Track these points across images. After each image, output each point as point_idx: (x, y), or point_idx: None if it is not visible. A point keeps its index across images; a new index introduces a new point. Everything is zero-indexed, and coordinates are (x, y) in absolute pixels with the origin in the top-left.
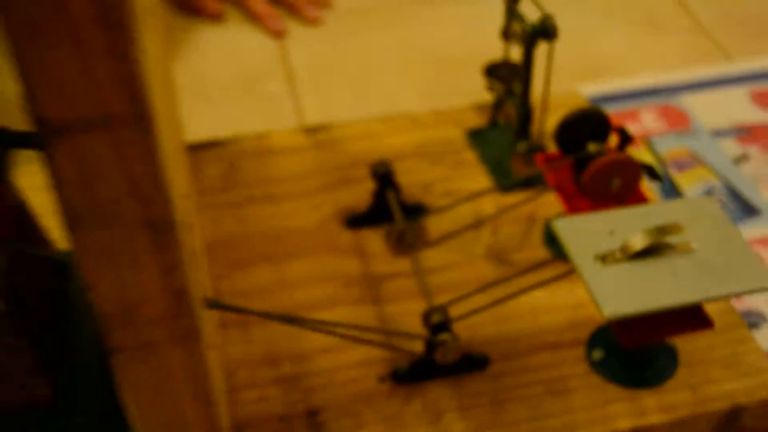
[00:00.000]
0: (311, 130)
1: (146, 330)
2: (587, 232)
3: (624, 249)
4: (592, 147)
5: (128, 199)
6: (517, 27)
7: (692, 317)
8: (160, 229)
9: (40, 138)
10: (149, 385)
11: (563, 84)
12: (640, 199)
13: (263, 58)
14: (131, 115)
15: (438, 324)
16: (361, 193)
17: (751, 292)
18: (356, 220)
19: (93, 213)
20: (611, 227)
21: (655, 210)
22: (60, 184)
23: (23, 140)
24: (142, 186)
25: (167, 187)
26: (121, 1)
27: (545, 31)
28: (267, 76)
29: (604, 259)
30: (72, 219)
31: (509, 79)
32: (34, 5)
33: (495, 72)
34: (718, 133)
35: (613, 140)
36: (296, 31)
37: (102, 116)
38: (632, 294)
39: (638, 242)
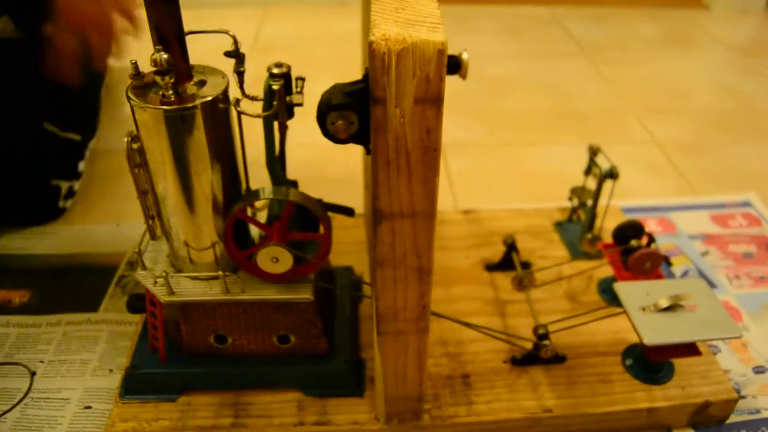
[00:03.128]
0: (465, 212)
1: (402, 324)
2: (633, 293)
3: (655, 305)
4: (633, 242)
5: (411, 255)
6: (595, 170)
7: (690, 348)
8: (424, 272)
9: (347, 209)
10: (393, 354)
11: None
12: (658, 275)
13: None
14: (427, 212)
15: (542, 334)
16: (494, 252)
17: (727, 338)
18: (492, 267)
19: (391, 259)
20: (647, 291)
21: (672, 284)
22: (378, 243)
23: (338, 209)
24: (420, 249)
25: (432, 250)
26: (436, 153)
27: (612, 174)
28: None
29: (643, 309)
30: (379, 261)
31: (583, 197)
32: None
33: (575, 192)
34: (692, 237)
35: (645, 239)
36: (453, 148)
37: (410, 211)
38: (660, 332)
39: (663, 302)
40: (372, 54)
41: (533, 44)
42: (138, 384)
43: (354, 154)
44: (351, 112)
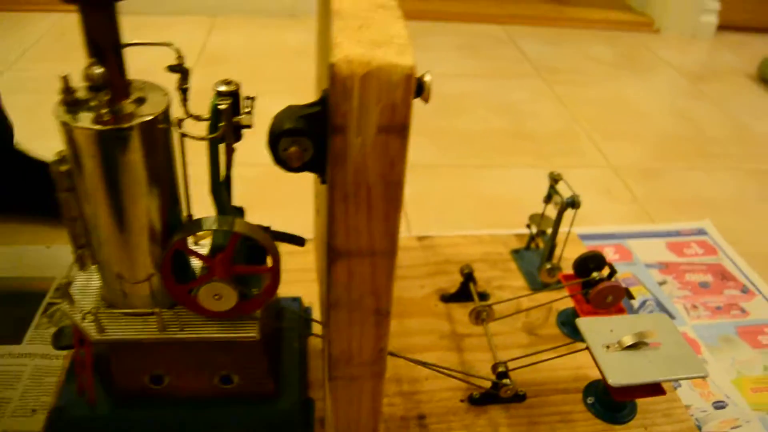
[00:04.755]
0: (420, 238)
1: (356, 369)
2: (597, 330)
3: (620, 343)
4: (595, 275)
5: (369, 296)
6: (556, 198)
7: (655, 387)
8: (382, 314)
9: (297, 238)
10: (345, 400)
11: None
12: (620, 308)
13: None
14: (387, 251)
15: (501, 372)
16: (450, 281)
17: (692, 378)
18: (447, 298)
19: (347, 301)
20: (611, 327)
21: (636, 319)
22: (332, 284)
23: (287, 238)
24: (379, 290)
25: (391, 291)
26: (399, 187)
27: (573, 203)
28: None
29: (608, 347)
30: (333, 302)
31: (542, 225)
32: (352, 188)
33: (534, 219)
34: (649, 266)
35: (606, 270)
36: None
37: (369, 250)
38: (625, 372)
39: (628, 340)
40: (333, 77)
41: (488, 63)
42: (64, 429)
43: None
44: (305, 138)
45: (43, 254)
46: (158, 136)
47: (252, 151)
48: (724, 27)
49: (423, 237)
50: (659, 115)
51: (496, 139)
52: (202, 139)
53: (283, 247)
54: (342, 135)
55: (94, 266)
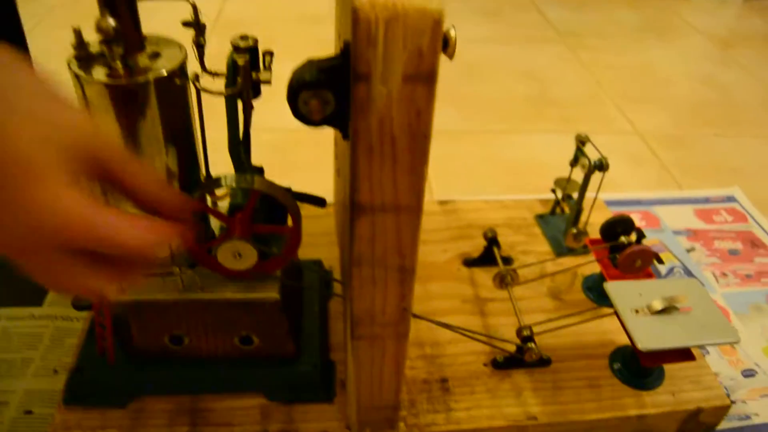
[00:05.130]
0: (442, 203)
1: (379, 329)
2: (626, 293)
3: (649, 307)
4: (623, 239)
5: (393, 253)
6: (583, 160)
7: (684, 353)
8: (406, 272)
9: (318, 199)
10: (368, 360)
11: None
12: (648, 273)
13: None
14: (412, 206)
15: (526, 336)
16: (473, 245)
17: (724, 343)
18: (471, 262)
19: (370, 258)
20: (640, 292)
21: (666, 284)
22: (356, 239)
23: (308, 198)
24: (403, 247)
25: (416, 248)
26: (426, 139)
27: (601, 166)
28: None
29: (636, 311)
30: (356, 259)
31: (568, 189)
32: (377, 140)
33: (559, 183)
34: (677, 233)
35: (634, 235)
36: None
37: (394, 205)
38: (654, 336)
39: (658, 305)
40: (356, 21)
41: (510, 28)
42: (84, 389)
43: (324, 138)
44: (326, 90)
45: None
46: (174, 92)
47: (272, 116)
48: None
49: (445, 201)
50: (686, 80)
51: (520, 105)
52: (219, 94)
53: (304, 211)
54: (366, 83)
55: None
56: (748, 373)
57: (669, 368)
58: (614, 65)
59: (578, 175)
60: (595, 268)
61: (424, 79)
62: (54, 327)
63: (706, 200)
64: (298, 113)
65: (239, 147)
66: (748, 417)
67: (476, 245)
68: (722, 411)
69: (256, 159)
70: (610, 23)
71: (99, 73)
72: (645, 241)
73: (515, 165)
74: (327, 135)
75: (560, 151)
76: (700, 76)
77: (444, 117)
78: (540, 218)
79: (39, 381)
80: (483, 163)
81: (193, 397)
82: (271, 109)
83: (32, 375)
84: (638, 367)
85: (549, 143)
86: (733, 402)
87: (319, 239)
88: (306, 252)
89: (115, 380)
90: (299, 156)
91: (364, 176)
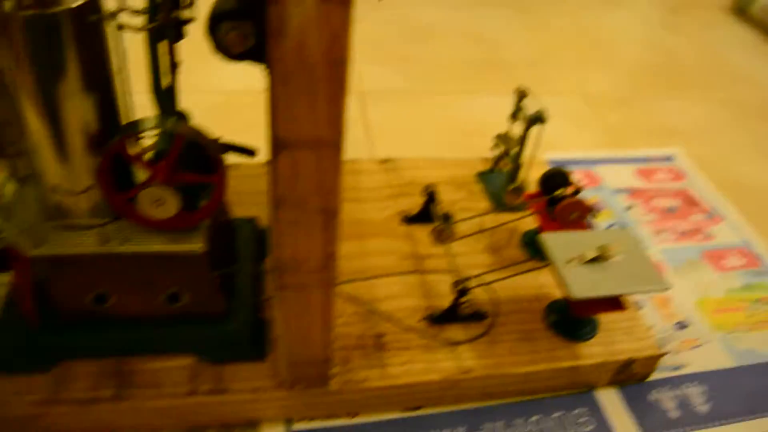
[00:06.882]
0: (383, 161)
1: (305, 276)
2: (560, 244)
3: (581, 257)
4: (560, 192)
5: (314, 194)
6: (522, 114)
7: (615, 303)
8: (329, 214)
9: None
10: (295, 311)
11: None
12: (584, 227)
13: (350, 113)
14: (333, 141)
15: (462, 289)
16: (412, 203)
17: (653, 291)
18: (409, 219)
19: (293, 199)
20: (573, 242)
21: (599, 234)
22: (277, 179)
23: (237, 149)
24: (326, 186)
25: (339, 189)
26: (343, 66)
27: (540, 118)
28: (353, 124)
29: (569, 261)
30: (278, 201)
31: (509, 144)
32: (293, 68)
33: (500, 138)
34: (616, 191)
35: (571, 188)
36: (372, 95)
37: (315, 139)
38: (587, 285)
39: (589, 254)
40: None
41: None
42: (4, 353)
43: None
44: (247, 22)
45: None
46: (89, 26)
47: (213, 78)
48: None
49: (386, 160)
50: (632, 45)
51: (467, 67)
52: (136, 30)
53: (240, 170)
54: (280, 5)
55: (31, 178)
56: (681, 326)
57: (603, 321)
58: (562, 29)
59: (520, 130)
60: (533, 224)
61: (340, 0)
62: None
63: (646, 160)
64: (219, 45)
65: (162, 91)
66: (679, 367)
67: (416, 203)
68: (653, 361)
69: (198, 119)
70: None
71: (5, 3)
72: (585, 200)
73: (460, 126)
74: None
75: (506, 112)
76: (646, 40)
77: (391, 78)
78: (481, 175)
79: None
80: (428, 124)
81: (120, 359)
82: (215, 69)
83: None
84: (572, 319)
85: (495, 105)
86: (665, 353)
87: (255, 198)
88: (243, 211)
89: (37, 344)
90: (242, 119)
91: (282, 108)
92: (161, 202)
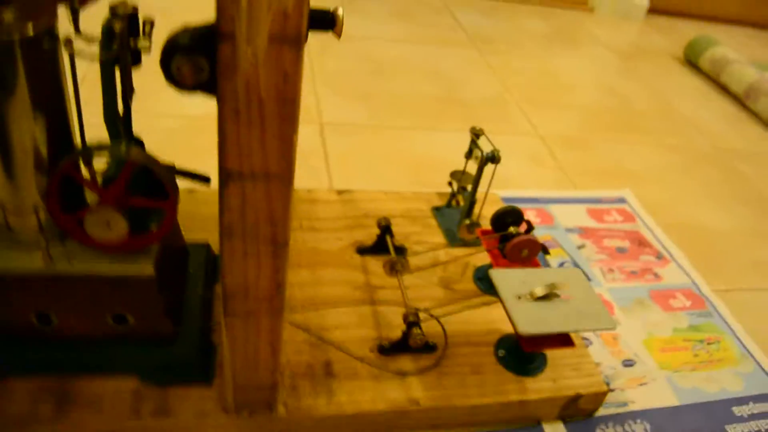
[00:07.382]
0: (340, 192)
1: (253, 303)
2: (509, 280)
3: (531, 294)
4: (512, 229)
5: (265, 224)
6: (477, 152)
7: (564, 339)
8: (279, 245)
9: (202, 176)
10: (243, 337)
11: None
12: (535, 264)
13: (310, 143)
14: (283, 174)
15: (412, 322)
16: (368, 234)
17: (600, 329)
18: (364, 250)
19: (241, 230)
20: (523, 278)
21: (549, 272)
22: (225, 209)
23: (192, 175)
24: (275, 217)
25: (289, 220)
26: (294, 104)
27: (493, 158)
28: (312, 155)
29: (519, 297)
30: (227, 231)
31: (463, 181)
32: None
33: (455, 176)
34: (569, 230)
35: (523, 226)
36: (332, 127)
37: (264, 172)
38: (535, 322)
39: (539, 291)
40: None
41: (423, 30)
42: None
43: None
44: (201, 56)
45: None
46: (44, 54)
47: (174, 102)
48: (654, 10)
49: (343, 191)
50: (588, 88)
51: (427, 104)
52: (92, 60)
53: (195, 196)
54: (231, 43)
55: None
56: (628, 363)
57: (552, 356)
58: (521, 70)
59: (474, 168)
60: (486, 259)
61: (291, 41)
62: None
63: (599, 200)
64: (171, 78)
65: (116, 117)
66: (625, 404)
67: (371, 234)
68: (600, 397)
69: (158, 144)
70: (520, 31)
71: None
72: (539, 237)
73: (418, 161)
74: None
75: (463, 149)
76: (601, 85)
77: (351, 112)
78: (436, 210)
79: None
80: (386, 158)
81: (62, 378)
82: (175, 94)
83: None
84: (521, 354)
85: (452, 141)
86: (611, 389)
87: (209, 224)
88: (196, 236)
89: None
90: (202, 143)
91: (232, 141)
92: (109, 225)
